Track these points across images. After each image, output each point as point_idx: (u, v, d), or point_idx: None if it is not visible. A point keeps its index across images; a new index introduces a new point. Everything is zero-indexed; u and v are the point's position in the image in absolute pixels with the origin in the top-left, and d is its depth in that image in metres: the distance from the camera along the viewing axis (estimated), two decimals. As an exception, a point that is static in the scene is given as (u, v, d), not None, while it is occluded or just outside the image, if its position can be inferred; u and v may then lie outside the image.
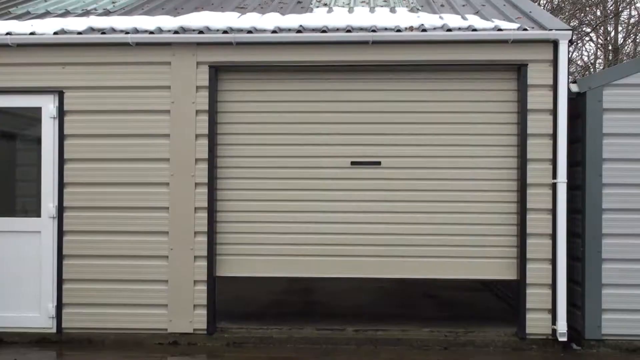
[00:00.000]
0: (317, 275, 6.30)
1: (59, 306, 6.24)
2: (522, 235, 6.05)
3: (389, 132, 6.24)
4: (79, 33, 6.23)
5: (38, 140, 6.32)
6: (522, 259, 6.06)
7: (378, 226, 6.24)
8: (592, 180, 6.01)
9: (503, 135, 6.19)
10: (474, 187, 6.20)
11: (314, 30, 6.18)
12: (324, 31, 6.13)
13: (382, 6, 7.69)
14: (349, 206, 6.25)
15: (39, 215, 6.30)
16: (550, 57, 6.03)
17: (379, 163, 6.23)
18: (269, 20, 6.44)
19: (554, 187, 6.02)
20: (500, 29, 6.05)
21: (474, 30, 6.05)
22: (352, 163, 6.24)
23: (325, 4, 7.80)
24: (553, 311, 6.00)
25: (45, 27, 6.34)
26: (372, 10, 7.33)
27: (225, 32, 6.16)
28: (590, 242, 6.00)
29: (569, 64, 6.12)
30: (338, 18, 6.46)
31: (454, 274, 6.20)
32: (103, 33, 6.22)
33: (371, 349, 6.07)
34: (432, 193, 6.21)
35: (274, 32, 6.14)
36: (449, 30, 6.07)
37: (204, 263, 6.18)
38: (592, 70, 21.11)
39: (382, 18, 6.49)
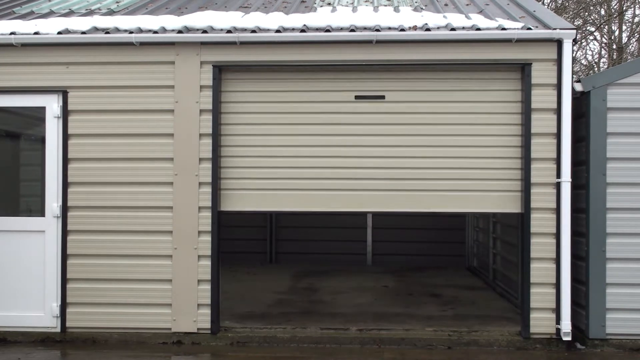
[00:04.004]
0: (323, 209, 6.26)
1: (63, 305, 6.26)
2: (525, 234, 6.05)
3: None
4: (83, 33, 6.24)
5: (42, 140, 6.34)
6: (525, 259, 6.06)
7: (383, 160, 6.23)
8: (596, 179, 6.00)
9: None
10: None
11: (317, 29, 6.18)
12: (327, 30, 6.13)
13: (385, 5, 7.69)
14: (353, 140, 6.23)
15: (43, 215, 6.31)
16: (554, 56, 6.02)
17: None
18: (273, 20, 6.44)
19: (558, 186, 6.01)
20: (504, 28, 6.05)
21: (478, 29, 6.05)
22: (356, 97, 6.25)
23: (329, 4, 7.79)
24: (557, 310, 6.00)
25: (49, 27, 6.35)
26: (375, 9, 7.32)
27: (229, 31, 6.16)
28: (595, 241, 5.99)
29: (573, 63, 6.11)
30: (342, 17, 6.45)
31: (457, 207, 6.20)
32: (107, 33, 6.23)
33: (375, 348, 6.07)
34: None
35: (277, 31, 6.14)
36: (453, 29, 6.06)
37: (207, 262, 6.19)
38: (596, 69, 21.09)
39: (386, 17, 6.48)
